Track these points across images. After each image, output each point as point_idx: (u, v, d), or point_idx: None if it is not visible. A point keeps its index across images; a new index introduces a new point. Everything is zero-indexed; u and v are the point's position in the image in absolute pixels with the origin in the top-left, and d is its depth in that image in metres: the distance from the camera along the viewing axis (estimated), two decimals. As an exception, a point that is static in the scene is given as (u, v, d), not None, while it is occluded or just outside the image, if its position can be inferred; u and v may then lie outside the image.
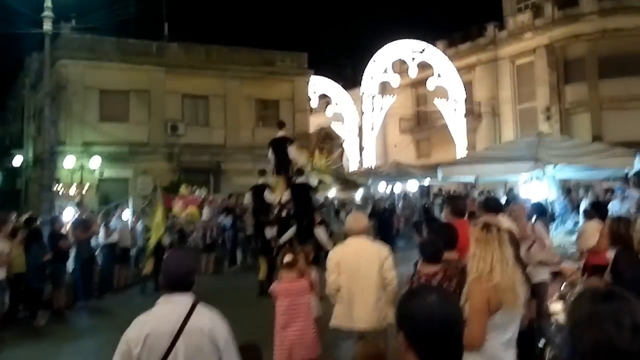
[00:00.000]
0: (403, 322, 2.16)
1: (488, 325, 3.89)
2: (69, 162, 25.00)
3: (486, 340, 3.87)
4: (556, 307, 6.82)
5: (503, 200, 13.25)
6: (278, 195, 13.86)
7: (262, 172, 14.37)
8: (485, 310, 3.87)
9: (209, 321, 3.43)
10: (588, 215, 9.97)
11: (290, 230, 12.96)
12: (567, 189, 19.98)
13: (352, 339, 5.97)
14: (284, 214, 13.63)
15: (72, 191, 22.50)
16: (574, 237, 10.41)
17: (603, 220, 9.22)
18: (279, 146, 14.12)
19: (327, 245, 11.86)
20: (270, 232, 13.47)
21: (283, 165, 14.07)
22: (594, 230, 8.93)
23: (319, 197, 18.02)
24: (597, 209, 9.84)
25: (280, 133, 14.54)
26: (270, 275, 12.52)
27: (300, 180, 13.32)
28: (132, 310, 3.59)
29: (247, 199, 14.28)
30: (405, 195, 26.06)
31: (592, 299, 1.93)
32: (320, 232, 12.96)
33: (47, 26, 18.14)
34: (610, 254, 7.83)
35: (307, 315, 6.40)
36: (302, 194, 13.16)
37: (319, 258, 10.30)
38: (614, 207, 13.10)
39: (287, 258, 6.58)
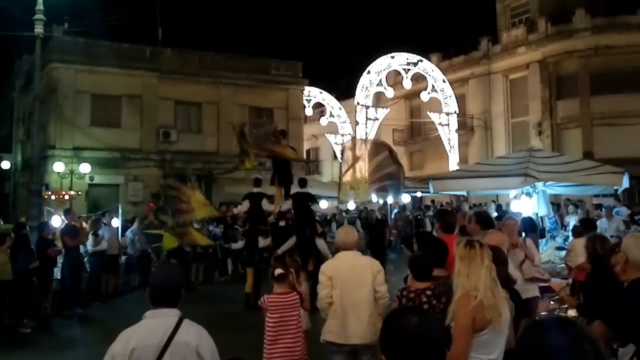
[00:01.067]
0: (387, 345, 2.20)
1: (473, 344, 3.91)
2: (58, 166, 24.83)
3: (471, 359, 3.90)
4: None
5: (494, 214, 13.37)
6: (277, 204, 13.93)
7: (258, 182, 14.23)
8: (470, 328, 3.89)
9: (195, 336, 3.47)
10: (577, 232, 10.16)
11: (290, 240, 12.92)
12: (557, 205, 20.11)
13: (342, 353, 5.96)
14: (282, 223, 13.73)
15: (62, 197, 22.29)
16: (563, 253, 10.66)
17: None
18: (300, 201, 13.96)
19: (327, 255, 11.77)
20: (263, 241, 13.40)
21: (283, 175, 14.15)
22: (582, 247, 9.09)
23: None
24: (586, 226, 9.94)
25: (283, 142, 14.62)
26: (257, 286, 12.68)
27: (303, 190, 13.37)
28: (118, 319, 3.69)
29: (244, 207, 14.08)
30: (398, 207, 26.04)
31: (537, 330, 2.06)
32: (321, 243, 12.96)
33: (39, 29, 18.08)
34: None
35: (297, 329, 6.40)
36: (304, 204, 13.15)
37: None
38: (602, 225, 13.34)
39: (278, 271, 6.55)
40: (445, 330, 4.20)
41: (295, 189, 13.73)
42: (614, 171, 12.19)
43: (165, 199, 13.33)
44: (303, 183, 13.66)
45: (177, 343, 3.40)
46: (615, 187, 12.97)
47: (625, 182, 11.95)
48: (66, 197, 21.74)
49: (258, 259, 13.58)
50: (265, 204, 13.67)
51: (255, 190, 13.93)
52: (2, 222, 15.34)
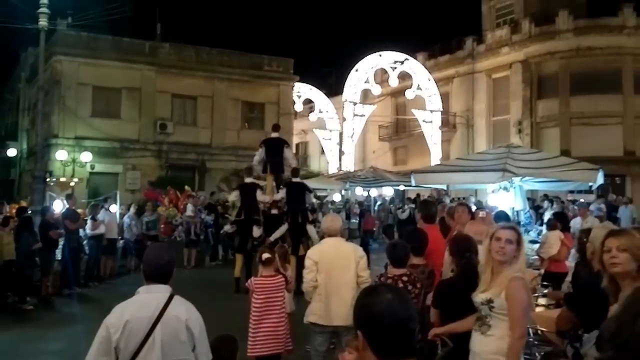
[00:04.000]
0: (361, 320, 2.19)
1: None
2: (61, 155, 25.51)
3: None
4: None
5: (473, 207, 14.00)
6: (268, 192, 14.30)
7: (249, 171, 14.57)
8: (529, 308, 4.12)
9: (185, 311, 3.61)
10: (550, 225, 10.31)
11: (282, 227, 13.39)
12: (533, 201, 20.57)
13: (324, 334, 6.19)
14: (274, 211, 14.03)
15: (64, 183, 23.24)
16: (536, 246, 10.72)
17: (564, 231, 9.89)
18: (274, 146, 14.60)
19: (317, 241, 11.54)
20: (257, 231, 13.75)
21: (276, 164, 14.53)
22: (556, 239, 9.53)
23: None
24: (559, 219, 10.40)
25: (274, 135, 15.01)
26: (249, 272, 12.69)
27: (296, 179, 13.97)
28: (116, 298, 3.80)
29: (235, 196, 14.47)
30: (381, 199, 26.90)
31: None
32: (312, 230, 13.43)
33: (43, 22, 18.72)
34: (571, 263, 8.31)
35: (281, 310, 6.53)
36: (298, 193, 13.66)
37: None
38: (576, 224, 13.25)
39: (265, 255, 6.67)
40: (418, 312, 4.50)
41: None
42: (590, 168, 12.07)
43: None
44: (296, 173, 14.29)
45: (168, 316, 3.53)
46: (590, 184, 12.93)
47: (600, 179, 11.91)
48: (70, 183, 22.59)
49: (251, 248, 13.70)
50: (260, 195, 13.99)
51: (248, 180, 14.28)
52: (7, 206, 15.90)
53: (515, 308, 4.01)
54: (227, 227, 15.71)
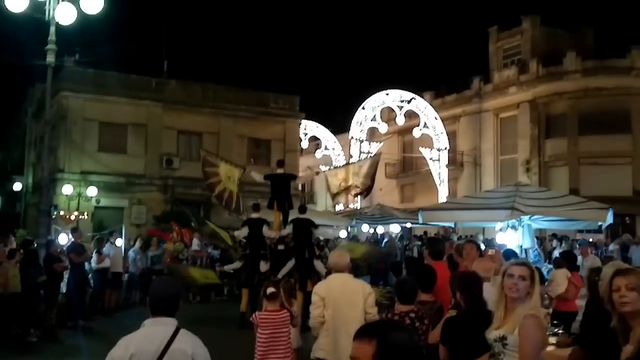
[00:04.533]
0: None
1: None
2: (66, 189, 25.54)
3: None
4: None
5: (482, 245, 13.79)
6: (276, 227, 14.34)
7: (257, 207, 14.58)
8: (542, 348, 4.02)
9: (191, 345, 3.56)
10: (557, 263, 10.24)
11: (289, 263, 13.33)
12: (541, 240, 20.25)
13: None
14: (280, 247, 13.96)
15: (69, 217, 23.16)
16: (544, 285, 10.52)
17: (572, 270, 9.68)
18: (280, 182, 14.79)
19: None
20: (265, 266, 13.69)
21: (282, 200, 14.69)
22: (563, 278, 9.41)
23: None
24: (567, 258, 10.25)
25: (280, 171, 15.23)
26: (254, 307, 12.47)
27: (302, 216, 13.97)
28: (120, 332, 3.74)
29: (244, 232, 14.32)
30: (388, 236, 26.67)
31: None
32: (319, 265, 13.33)
33: (50, 58, 18.95)
34: (580, 302, 8.10)
35: (286, 345, 6.47)
36: (305, 229, 13.71)
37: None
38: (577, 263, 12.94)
39: (270, 289, 6.66)
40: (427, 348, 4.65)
41: (294, 214, 14.19)
42: (599, 207, 12.15)
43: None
44: (303, 210, 14.33)
45: (174, 350, 3.47)
46: (600, 223, 12.95)
47: (610, 218, 11.86)
48: (73, 217, 22.55)
49: (257, 282, 13.42)
50: (267, 231, 13.98)
51: (255, 215, 14.28)
52: (14, 239, 15.88)
53: (526, 346, 3.91)
54: (230, 266, 15.43)
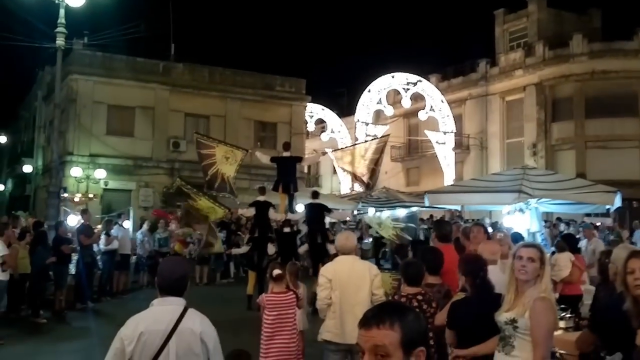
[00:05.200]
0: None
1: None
2: (75, 171, 25.85)
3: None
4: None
5: (489, 229, 13.68)
6: (281, 211, 14.39)
7: (262, 190, 14.65)
8: (554, 330, 4.00)
9: (199, 324, 3.59)
10: (559, 247, 10.11)
11: (303, 247, 13.62)
12: (548, 223, 20.13)
13: (338, 352, 6.10)
14: (286, 229, 14.00)
15: (78, 199, 23.40)
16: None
17: (574, 252, 9.73)
18: (286, 165, 14.88)
19: None
20: (273, 248, 13.79)
21: (288, 183, 14.68)
22: (566, 261, 9.39)
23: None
24: (568, 241, 10.25)
25: (286, 154, 15.30)
26: (260, 290, 12.58)
27: (315, 201, 14.18)
28: (128, 313, 3.74)
29: (250, 212, 14.47)
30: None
31: None
32: (332, 249, 13.26)
33: (60, 41, 19.04)
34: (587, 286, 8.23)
35: (292, 327, 6.50)
36: (318, 214, 13.90)
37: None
38: (581, 245, 13.08)
39: (276, 271, 6.67)
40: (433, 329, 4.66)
41: (306, 199, 14.48)
42: (607, 190, 12.08)
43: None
44: (316, 195, 14.61)
45: (183, 329, 3.50)
46: (608, 206, 12.91)
47: (618, 202, 11.82)
48: (82, 199, 22.76)
49: (265, 265, 13.70)
50: (273, 214, 14.10)
51: (261, 198, 14.29)
52: (24, 219, 15.97)
53: (539, 329, 3.91)
54: (238, 250, 15.54)
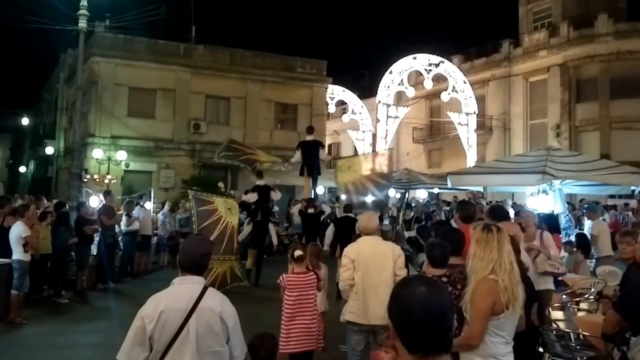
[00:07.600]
0: (391, 310, 2.12)
1: (489, 325, 3.93)
2: (97, 153, 26.21)
3: (486, 340, 3.96)
4: (557, 315, 7.04)
5: (511, 211, 13.30)
6: (305, 193, 14.92)
7: (260, 174, 15.19)
8: (489, 311, 3.90)
9: (219, 303, 3.62)
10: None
11: (329, 230, 13.46)
12: (572, 205, 20.19)
13: (361, 332, 6.12)
14: (310, 210, 14.54)
15: (99, 180, 23.63)
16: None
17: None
18: (310, 149, 15.13)
19: None
20: (275, 229, 14.20)
21: (312, 167, 15.10)
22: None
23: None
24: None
25: (309, 138, 15.55)
26: (259, 267, 13.96)
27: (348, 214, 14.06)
28: (149, 293, 3.72)
29: (254, 197, 14.68)
30: (415, 201, 26.52)
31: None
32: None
33: (82, 24, 19.10)
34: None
35: (314, 307, 6.49)
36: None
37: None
38: (587, 227, 13.08)
39: (297, 252, 6.62)
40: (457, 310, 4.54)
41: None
42: (632, 171, 11.82)
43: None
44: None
45: (203, 308, 3.52)
46: (633, 188, 12.83)
47: None
48: (104, 180, 22.99)
49: (267, 246, 14.65)
50: (273, 194, 14.70)
51: (261, 182, 14.82)
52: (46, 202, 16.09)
53: (472, 310, 3.96)
54: (242, 235, 15.35)
